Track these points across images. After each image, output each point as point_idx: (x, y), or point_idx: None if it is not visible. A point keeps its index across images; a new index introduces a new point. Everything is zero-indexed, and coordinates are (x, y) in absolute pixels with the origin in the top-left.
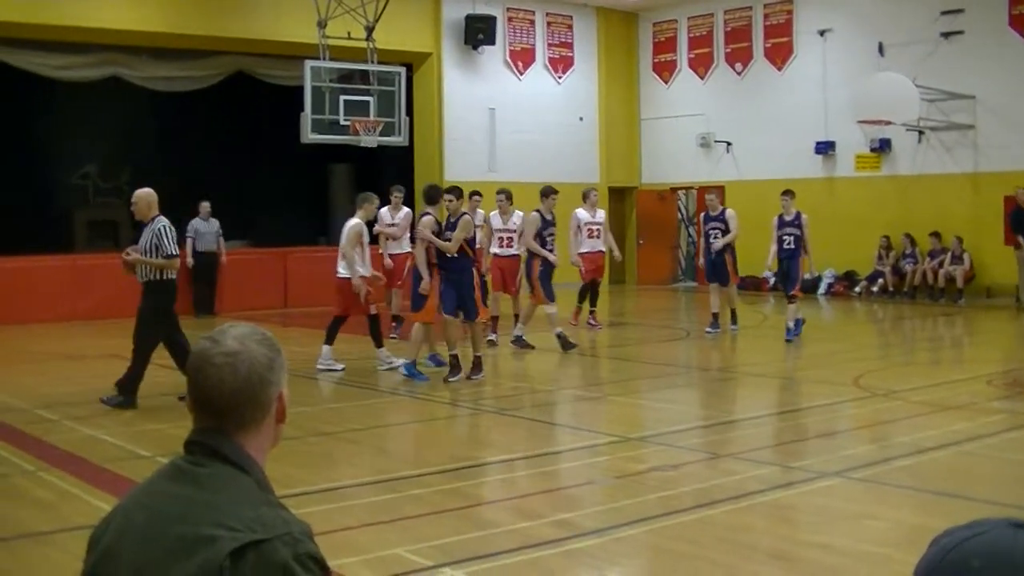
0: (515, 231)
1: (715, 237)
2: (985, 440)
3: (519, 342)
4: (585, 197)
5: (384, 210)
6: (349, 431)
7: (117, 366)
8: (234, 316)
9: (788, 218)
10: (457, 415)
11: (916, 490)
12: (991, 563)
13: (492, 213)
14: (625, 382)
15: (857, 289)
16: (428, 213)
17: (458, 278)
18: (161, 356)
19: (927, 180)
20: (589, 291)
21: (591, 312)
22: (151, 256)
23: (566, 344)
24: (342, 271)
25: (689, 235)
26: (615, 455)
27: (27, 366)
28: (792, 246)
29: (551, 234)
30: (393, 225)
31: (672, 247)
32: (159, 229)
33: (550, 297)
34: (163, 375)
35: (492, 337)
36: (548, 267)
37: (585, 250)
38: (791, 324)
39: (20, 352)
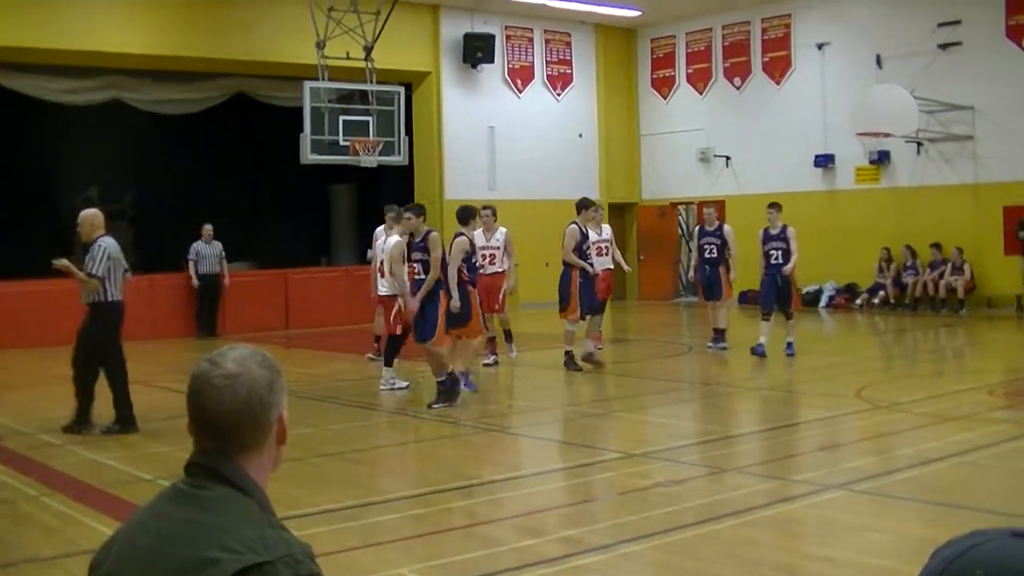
0: (499, 248)
1: (710, 252)
2: (988, 450)
3: (590, 359)
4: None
5: (381, 229)
6: (352, 451)
7: None
8: (236, 337)
9: (774, 232)
10: (460, 434)
11: (920, 502)
12: (993, 573)
13: (476, 231)
14: (628, 398)
15: (858, 301)
16: (462, 234)
17: (424, 298)
18: (166, 378)
19: (927, 192)
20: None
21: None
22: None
23: (571, 364)
24: (384, 289)
25: (690, 250)
26: (619, 471)
27: (32, 390)
28: (780, 260)
29: (589, 247)
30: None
31: (673, 262)
32: (95, 247)
33: (584, 313)
34: (168, 398)
35: (489, 360)
36: (588, 280)
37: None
38: (792, 339)
39: (26, 376)
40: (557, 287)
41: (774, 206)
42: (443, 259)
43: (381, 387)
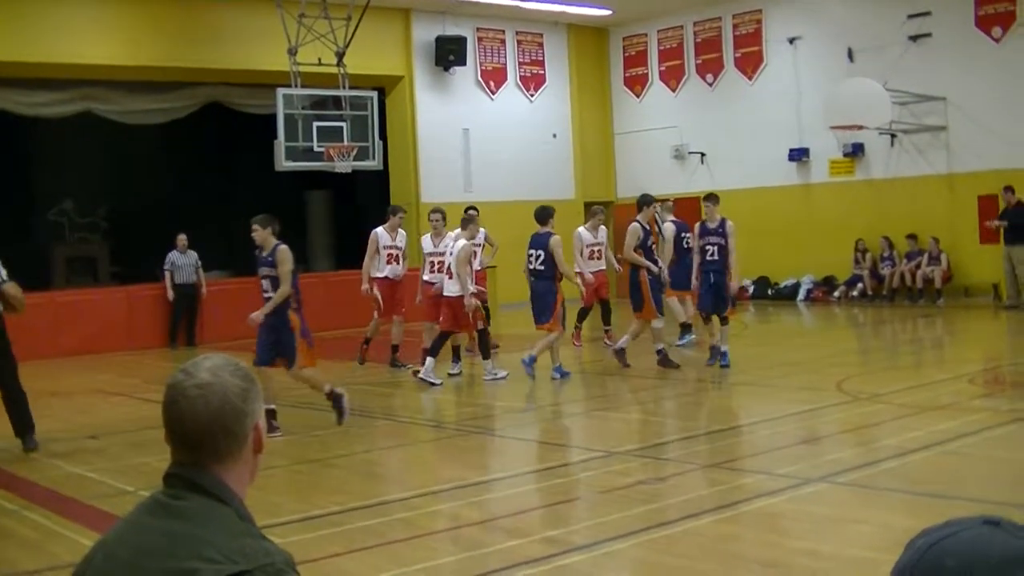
0: (445, 254)
1: (711, 255)
2: (969, 439)
3: (665, 361)
4: (591, 215)
5: (382, 230)
6: (335, 457)
7: (102, 402)
8: (215, 347)
9: (712, 225)
10: (442, 437)
11: (903, 492)
12: (966, 562)
13: (424, 236)
14: (608, 396)
15: (836, 294)
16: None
17: (276, 321)
18: (144, 390)
19: (901, 183)
20: (587, 312)
21: (606, 330)
22: None
23: (666, 362)
24: (452, 290)
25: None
26: (601, 470)
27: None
28: (716, 257)
29: (653, 244)
30: (395, 247)
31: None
32: None
33: (661, 311)
34: (148, 409)
35: (454, 370)
36: (655, 279)
37: (589, 270)
38: (726, 348)
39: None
40: (628, 290)
41: (711, 198)
42: (290, 275)
43: (485, 378)
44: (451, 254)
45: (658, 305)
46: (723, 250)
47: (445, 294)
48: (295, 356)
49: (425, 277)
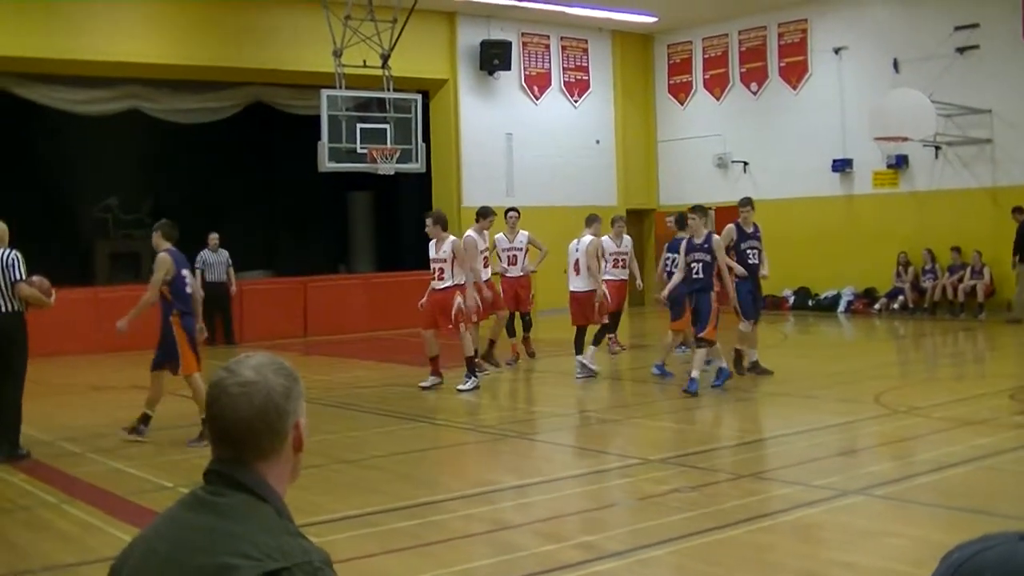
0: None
1: (753, 258)
2: (1008, 455)
3: (755, 368)
4: (612, 224)
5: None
6: (371, 458)
7: (141, 397)
8: (255, 346)
9: (698, 241)
10: (478, 440)
11: (939, 507)
12: None
13: (498, 234)
14: (645, 404)
15: (877, 306)
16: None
17: (163, 326)
18: (184, 387)
19: (945, 195)
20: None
21: (611, 338)
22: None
23: (756, 368)
24: (583, 285)
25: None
26: (637, 477)
27: (51, 398)
28: (701, 275)
29: (752, 247)
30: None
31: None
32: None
33: (747, 315)
34: (188, 405)
35: (427, 383)
36: (744, 281)
37: (608, 278)
38: (695, 373)
39: (44, 385)
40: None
41: (697, 210)
42: (164, 281)
43: (578, 374)
44: (526, 249)
45: (744, 309)
46: (708, 268)
47: (572, 289)
48: (179, 362)
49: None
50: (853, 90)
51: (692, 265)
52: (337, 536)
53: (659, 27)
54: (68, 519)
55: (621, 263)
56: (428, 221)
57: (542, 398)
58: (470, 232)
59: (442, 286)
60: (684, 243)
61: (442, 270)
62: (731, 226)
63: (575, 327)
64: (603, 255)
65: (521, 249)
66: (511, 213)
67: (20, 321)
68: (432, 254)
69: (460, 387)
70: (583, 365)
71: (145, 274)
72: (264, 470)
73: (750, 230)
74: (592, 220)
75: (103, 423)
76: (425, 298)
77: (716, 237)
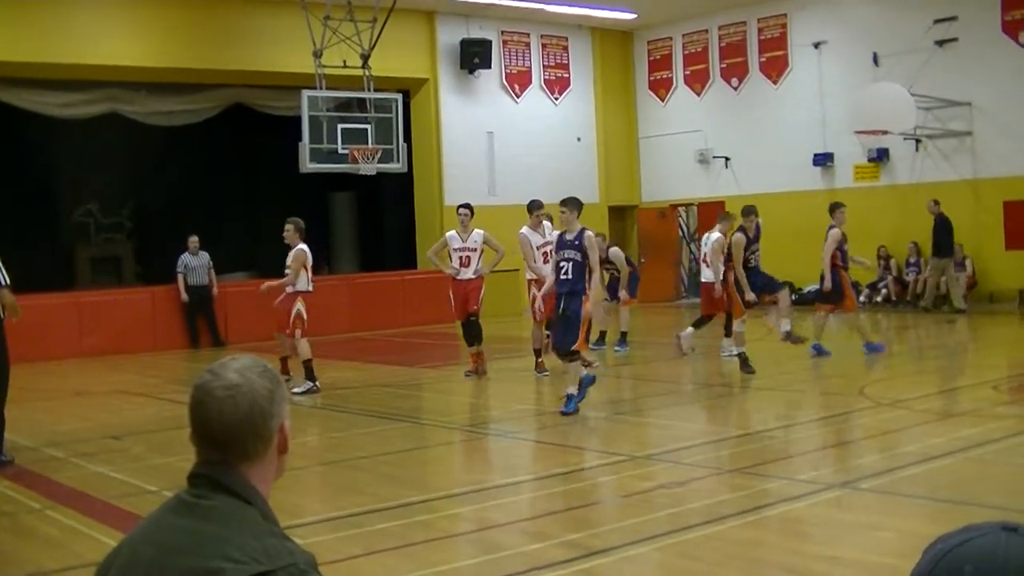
0: (475, 249)
1: (565, 273)
2: (992, 446)
3: (789, 337)
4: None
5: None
6: (355, 459)
7: (125, 402)
8: (241, 347)
9: (569, 237)
10: (463, 439)
11: (925, 499)
12: (982, 567)
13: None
14: (630, 401)
15: (861, 299)
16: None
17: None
18: (167, 390)
19: (926, 188)
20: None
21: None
22: None
23: (745, 366)
24: (708, 277)
25: (691, 252)
26: (622, 474)
27: (34, 404)
28: (570, 275)
29: (754, 252)
30: (548, 242)
31: (674, 264)
32: None
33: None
34: (172, 409)
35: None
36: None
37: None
38: (573, 390)
39: (26, 390)
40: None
41: (570, 202)
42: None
43: (723, 354)
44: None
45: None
46: (580, 269)
47: (701, 280)
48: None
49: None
50: (833, 84)
51: (561, 264)
52: (322, 538)
53: (639, 23)
54: (52, 524)
55: (467, 260)
56: (463, 211)
57: (525, 397)
58: (523, 229)
59: (468, 275)
60: (557, 238)
61: (469, 259)
62: (740, 235)
63: (703, 316)
64: (725, 251)
65: (475, 250)
66: (462, 210)
67: (1, 328)
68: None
69: (296, 390)
70: (730, 351)
71: (126, 277)
72: (248, 472)
73: (752, 235)
74: (722, 218)
75: (86, 428)
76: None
77: (589, 234)
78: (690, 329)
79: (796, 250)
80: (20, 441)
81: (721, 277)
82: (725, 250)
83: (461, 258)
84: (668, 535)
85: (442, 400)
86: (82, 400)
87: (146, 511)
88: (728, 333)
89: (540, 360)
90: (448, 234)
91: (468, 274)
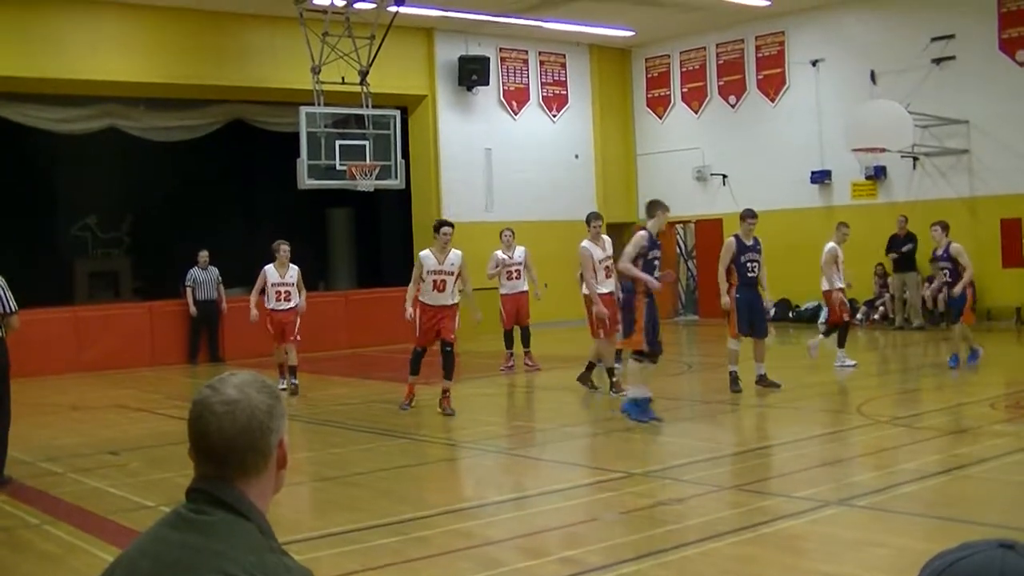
0: (292, 284)
1: (753, 271)
2: (990, 463)
3: (763, 381)
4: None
5: (270, 267)
6: (353, 475)
7: (123, 417)
8: (240, 363)
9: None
10: (461, 456)
11: (921, 516)
12: None
13: (268, 267)
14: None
15: (859, 316)
16: (644, 229)
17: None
18: (166, 405)
19: (924, 206)
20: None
21: (526, 352)
22: None
23: (734, 385)
24: (827, 285)
25: (688, 269)
26: (620, 491)
27: (31, 419)
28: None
29: (752, 260)
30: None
31: (673, 281)
32: None
33: (741, 330)
34: (170, 425)
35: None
36: (740, 295)
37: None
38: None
39: (24, 405)
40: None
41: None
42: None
43: (836, 364)
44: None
45: (739, 323)
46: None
47: (824, 288)
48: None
49: (607, 289)
50: (831, 102)
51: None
52: (320, 553)
53: (636, 41)
54: (50, 540)
55: (516, 274)
56: (446, 229)
57: (524, 413)
58: (584, 243)
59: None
60: (647, 240)
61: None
62: (731, 239)
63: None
64: (839, 261)
65: (452, 273)
66: (445, 228)
67: (4, 348)
68: (507, 259)
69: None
70: (843, 361)
71: (124, 292)
72: (247, 488)
73: (750, 243)
74: (839, 226)
75: (84, 443)
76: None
77: (526, 251)
78: (819, 337)
79: (793, 267)
80: (17, 456)
81: (837, 285)
82: (838, 259)
83: (436, 282)
84: (666, 552)
85: (440, 417)
86: (80, 415)
87: (144, 526)
88: (841, 344)
89: (616, 380)
90: (422, 253)
91: (445, 299)
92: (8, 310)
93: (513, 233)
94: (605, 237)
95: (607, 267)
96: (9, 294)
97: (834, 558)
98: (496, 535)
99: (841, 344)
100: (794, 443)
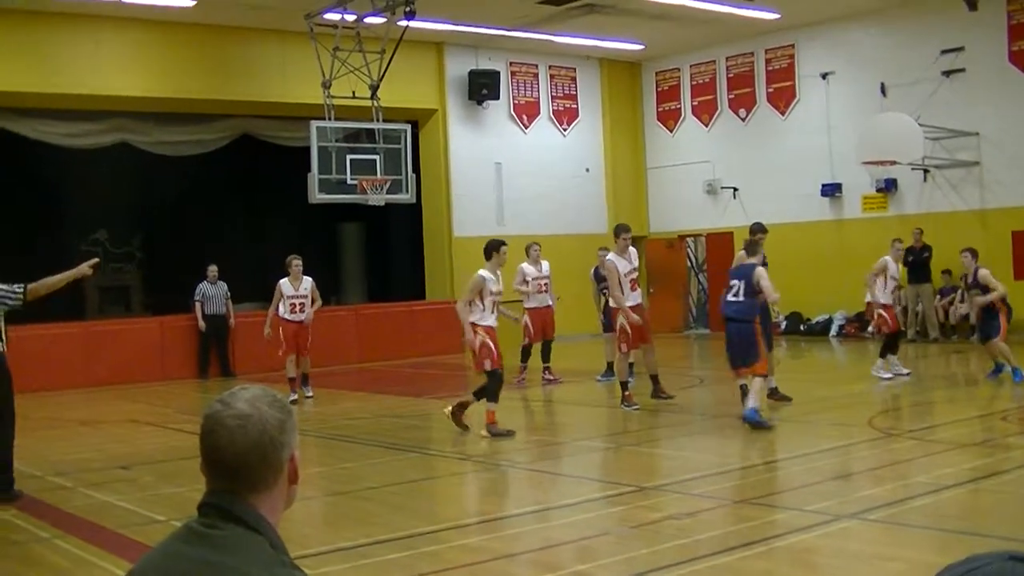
0: (306, 296)
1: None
2: (1002, 476)
3: (774, 394)
4: (527, 252)
5: (284, 281)
6: (364, 489)
7: (134, 431)
8: (251, 378)
9: (754, 260)
10: (471, 470)
11: (934, 529)
12: None
13: (283, 281)
14: (640, 431)
15: (870, 329)
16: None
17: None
18: (177, 420)
19: (935, 218)
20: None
21: (546, 367)
22: None
23: (779, 395)
24: (875, 297)
25: (699, 283)
26: (631, 504)
27: (42, 433)
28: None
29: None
30: (298, 296)
31: (683, 295)
32: None
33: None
34: (181, 439)
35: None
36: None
37: (531, 305)
38: (755, 404)
39: (35, 419)
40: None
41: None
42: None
43: (883, 374)
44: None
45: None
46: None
47: (879, 301)
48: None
49: (630, 303)
50: (841, 115)
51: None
52: (331, 568)
53: (646, 55)
54: (61, 554)
55: (544, 288)
56: (627, 235)
57: (534, 427)
58: (610, 256)
59: (547, 303)
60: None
61: (546, 285)
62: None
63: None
64: (887, 275)
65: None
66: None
67: (4, 359)
68: (535, 273)
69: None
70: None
71: (135, 307)
72: (258, 502)
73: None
74: (893, 243)
75: (95, 457)
76: (526, 316)
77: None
78: (880, 362)
79: (804, 280)
80: (27, 470)
81: (880, 300)
82: (888, 272)
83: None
84: (677, 566)
85: (450, 430)
86: (90, 429)
87: (155, 541)
88: (883, 354)
89: (628, 393)
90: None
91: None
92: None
93: (540, 247)
94: (632, 250)
95: (632, 280)
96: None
97: (846, 572)
98: (507, 549)
99: (887, 353)
100: (805, 456)
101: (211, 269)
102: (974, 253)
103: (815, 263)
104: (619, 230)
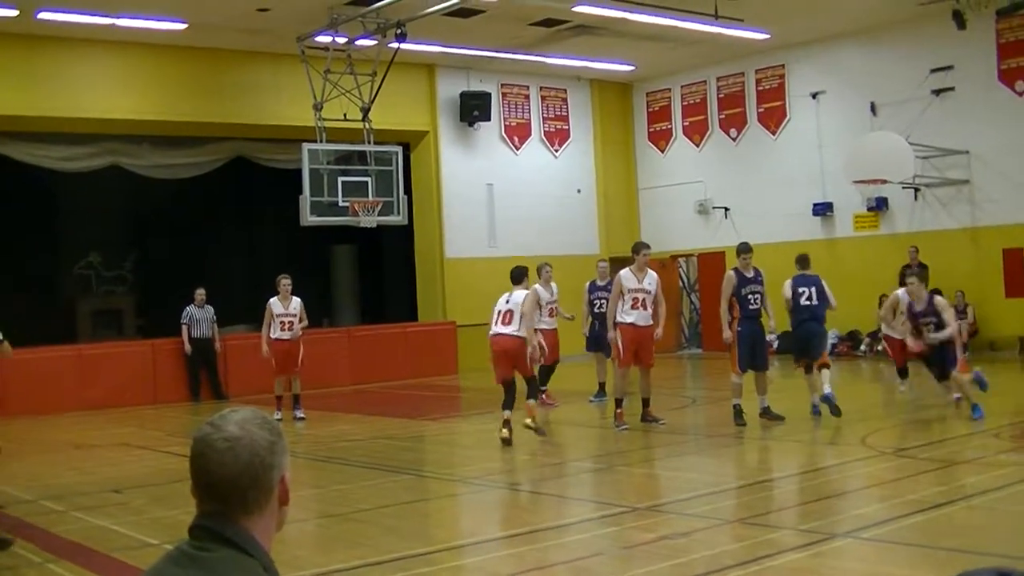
0: (295, 315)
1: (755, 303)
2: (994, 494)
3: (766, 414)
4: (538, 272)
5: (274, 300)
6: (358, 511)
7: (126, 455)
8: (244, 400)
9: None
10: (465, 492)
11: (927, 547)
12: None
13: (272, 300)
14: (633, 451)
15: (863, 347)
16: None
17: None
18: (168, 443)
19: (926, 236)
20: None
21: (543, 390)
22: None
23: (737, 418)
24: (884, 329)
25: (692, 302)
26: (625, 525)
27: (35, 457)
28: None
29: (753, 292)
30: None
31: (675, 314)
32: None
33: (741, 366)
34: (172, 462)
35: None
36: (742, 329)
37: (543, 327)
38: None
39: (27, 443)
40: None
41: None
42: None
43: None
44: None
45: (739, 358)
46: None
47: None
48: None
49: (629, 319)
50: (831, 134)
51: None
52: None
53: (637, 75)
54: None
55: (555, 310)
56: (648, 251)
57: (527, 448)
58: (623, 272)
59: (286, 336)
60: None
61: (556, 308)
62: (731, 273)
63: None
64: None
65: (650, 292)
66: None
67: None
68: (548, 297)
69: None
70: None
71: (127, 330)
72: (250, 524)
73: (750, 275)
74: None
75: (87, 481)
76: (542, 339)
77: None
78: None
79: None
80: (19, 494)
81: (892, 333)
82: (900, 306)
83: (636, 300)
84: None
85: (444, 452)
86: (82, 453)
87: (147, 564)
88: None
89: (620, 411)
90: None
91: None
92: None
93: (551, 267)
94: (652, 273)
95: (635, 298)
96: None
97: None
98: (501, 570)
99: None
100: (799, 475)
101: (199, 292)
102: (923, 278)
103: None
104: (637, 247)
